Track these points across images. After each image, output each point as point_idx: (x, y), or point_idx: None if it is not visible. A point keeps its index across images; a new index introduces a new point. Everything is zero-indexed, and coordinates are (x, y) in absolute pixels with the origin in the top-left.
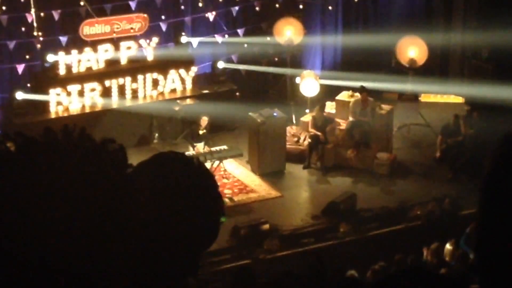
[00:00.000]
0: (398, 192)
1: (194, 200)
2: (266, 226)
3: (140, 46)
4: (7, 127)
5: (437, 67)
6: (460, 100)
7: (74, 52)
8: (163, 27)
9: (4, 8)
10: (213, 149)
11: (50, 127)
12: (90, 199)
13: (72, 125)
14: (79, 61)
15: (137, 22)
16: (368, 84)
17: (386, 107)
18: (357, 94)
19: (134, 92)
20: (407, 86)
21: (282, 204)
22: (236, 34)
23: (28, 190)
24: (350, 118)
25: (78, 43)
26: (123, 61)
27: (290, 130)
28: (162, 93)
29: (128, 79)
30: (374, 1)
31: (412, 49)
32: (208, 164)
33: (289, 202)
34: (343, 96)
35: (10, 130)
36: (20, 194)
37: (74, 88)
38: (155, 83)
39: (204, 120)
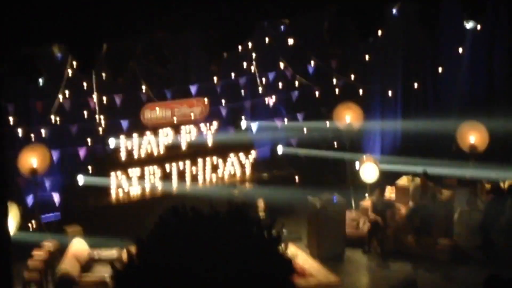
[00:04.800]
0: (460, 279)
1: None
2: None
3: (200, 130)
4: (68, 210)
5: (499, 153)
6: None
7: (135, 136)
8: (223, 111)
9: (67, 92)
10: None
11: (214, 204)
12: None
13: (234, 205)
14: (140, 145)
15: (197, 106)
16: (428, 169)
17: (446, 192)
18: (417, 179)
19: (194, 176)
20: (467, 171)
21: None
22: (296, 119)
23: (197, 252)
24: (410, 204)
25: (139, 127)
26: (183, 146)
27: (350, 214)
28: (221, 177)
29: (187, 163)
30: (434, 87)
31: (473, 134)
32: None
33: (348, 287)
34: (403, 181)
35: (71, 213)
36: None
37: (134, 172)
38: (215, 167)
39: (261, 203)
